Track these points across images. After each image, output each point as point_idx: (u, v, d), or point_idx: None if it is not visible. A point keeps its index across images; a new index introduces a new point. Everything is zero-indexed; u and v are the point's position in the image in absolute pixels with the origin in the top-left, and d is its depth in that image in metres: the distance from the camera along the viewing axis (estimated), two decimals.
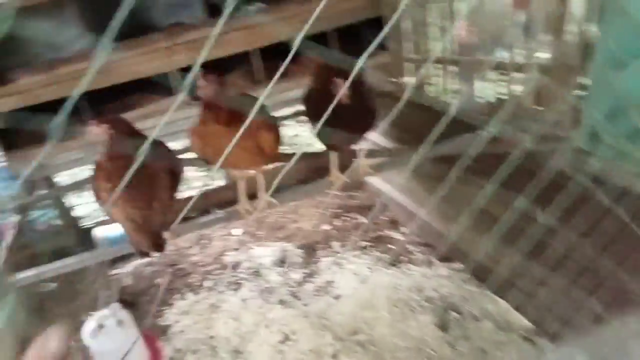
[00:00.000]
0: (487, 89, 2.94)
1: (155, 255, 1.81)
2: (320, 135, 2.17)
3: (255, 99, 2.19)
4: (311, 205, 4.23)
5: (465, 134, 2.50)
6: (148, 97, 3.49)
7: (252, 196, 2.20)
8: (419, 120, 3.53)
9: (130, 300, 3.45)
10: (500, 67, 2.72)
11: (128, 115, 3.25)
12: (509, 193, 2.24)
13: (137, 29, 3.63)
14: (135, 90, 3.46)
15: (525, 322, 2.77)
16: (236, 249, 3.81)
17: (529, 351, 2.57)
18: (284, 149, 2.17)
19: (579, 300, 2.30)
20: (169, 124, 3.24)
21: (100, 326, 2.48)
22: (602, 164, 2.10)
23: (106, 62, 3.13)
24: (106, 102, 3.48)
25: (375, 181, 4.19)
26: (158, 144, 2.03)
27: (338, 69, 2.19)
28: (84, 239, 3.90)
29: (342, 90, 1.91)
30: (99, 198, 1.85)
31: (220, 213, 2.21)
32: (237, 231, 4.00)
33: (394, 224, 3.91)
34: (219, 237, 3.97)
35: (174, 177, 1.97)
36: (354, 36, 3.83)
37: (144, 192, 1.77)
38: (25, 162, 3.17)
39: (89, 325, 2.50)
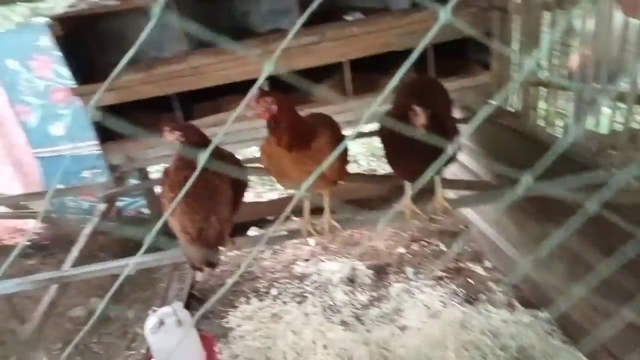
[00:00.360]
0: (601, 119, 2.57)
1: (207, 270, 1.78)
2: (391, 162, 2.02)
3: (326, 117, 2.10)
4: (389, 224, 4.04)
5: (584, 174, 2.18)
6: (238, 101, 3.54)
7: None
8: (519, 150, 3.21)
9: (199, 297, 3.53)
10: (619, 97, 2.35)
11: (216, 118, 3.32)
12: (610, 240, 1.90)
13: (236, 33, 3.71)
14: (228, 92, 3.52)
15: None
16: (307, 260, 3.75)
17: None
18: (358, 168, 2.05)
19: None
20: (243, 131, 3.26)
21: (161, 323, 2.54)
22: None
23: (200, 65, 3.22)
24: (198, 101, 3.59)
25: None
26: (225, 156, 2.00)
27: (420, 93, 2.01)
28: (169, 229, 4.09)
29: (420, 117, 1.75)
30: (161, 205, 1.86)
31: (282, 231, 2.14)
32: (311, 241, 3.93)
33: (477, 256, 3.60)
34: (292, 245, 3.93)
35: (237, 192, 1.93)
36: (455, 52, 3.59)
37: (203, 205, 1.74)
38: (119, 153, 3.36)
39: (151, 320, 2.56)
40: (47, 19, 3.24)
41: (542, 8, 2.78)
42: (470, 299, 3.17)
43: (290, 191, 4.16)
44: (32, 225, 4.23)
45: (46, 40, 3.84)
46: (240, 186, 1.95)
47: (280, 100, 1.73)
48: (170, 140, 1.93)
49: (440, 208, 2.08)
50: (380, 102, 0.65)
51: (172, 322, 2.58)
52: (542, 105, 2.94)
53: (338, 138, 1.89)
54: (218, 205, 1.78)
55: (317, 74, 3.61)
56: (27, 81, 4.08)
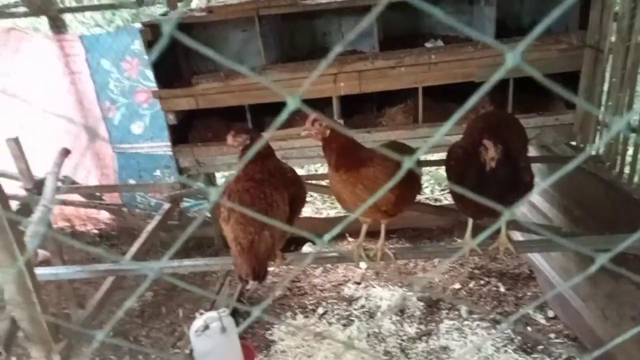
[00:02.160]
0: None
1: (254, 284, 1.78)
2: (455, 196, 1.94)
3: (402, 148, 2.05)
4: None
5: None
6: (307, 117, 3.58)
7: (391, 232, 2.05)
8: (599, 199, 2.99)
9: (247, 305, 3.56)
10: None
11: (285, 133, 3.38)
12: None
13: (315, 52, 3.78)
14: (299, 109, 3.57)
15: None
16: (357, 283, 3.68)
17: None
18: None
19: None
20: (309, 147, 3.28)
21: (206, 327, 2.58)
22: None
23: (275, 80, 3.30)
24: (270, 115, 3.68)
25: None
26: (286, 170, 2.01)
27: (494, 127, 1.93)
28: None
29: (490, 153, 1.67)
30: (218, 212, 1.89)
31: (334, 252, 2.11)
32: (363, 265, 3.86)
33: (540, 303, 3.36)
34: (344, 265, 3.88)
35: (294, 208, 1.93)
36: (539, 88, 3.43)
37: (258, 218, 1.75)
38: (189, 156, 3.49)
39: (197, 323, 2.62)
40: (140, 24, 3.46)
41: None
42: (527, 348, 2.96)
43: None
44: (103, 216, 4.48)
45: (138, 44, 4.12)
46: (297, 202, 1.95)
47: (333, 128, 1.78)
48: (232, 144, 1.96)
49: (503, 250, 1.96)
50: (445, 132, 0.62)
51: (216, 327, 2.62)
52: (630, 152, 2.72)
53: (406, 174, 1.82)
54: (273, 219, 1.78)
55: (392, 98, 3.59)
56: (116, 81, 4.37)
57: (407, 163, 0.55)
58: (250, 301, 3.61)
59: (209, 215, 4.42)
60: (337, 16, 3.75)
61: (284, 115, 0.57)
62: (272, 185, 1.84)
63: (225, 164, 3.47)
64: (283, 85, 3.32)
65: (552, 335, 3.06)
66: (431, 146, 3.11)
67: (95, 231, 4.52)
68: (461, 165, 1.83)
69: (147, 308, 3.64)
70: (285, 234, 1.92)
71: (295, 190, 1.96)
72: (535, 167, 3.33)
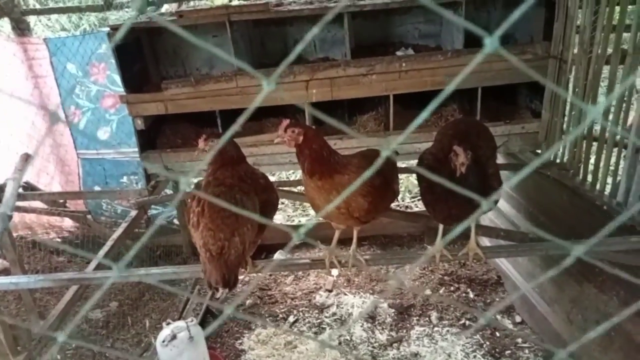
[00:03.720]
0: None
1: (224, 292, 1.74)
2: (427, 203, 1.96)
3: (373, 153, 2.05)
4: (418, 264, 3.92)
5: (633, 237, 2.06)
6: (280, 124, 3.57)
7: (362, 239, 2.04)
8: (563, 204, 3.07)
9: (216, 313, 3.49)
10: None
11: (256, 139, 3.35)
12: None
13: (286, 58, 3.76)
14: (271, 114, 3.56)
15: None
16: (329, 291, 3.66)
17: None
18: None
19: None
20: (280, 154, 3.27)
21: (173, 337, 2.52)
22: None
23: (247, 86, 3.27)
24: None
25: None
26: (257, 176, 1.99)
27: (464, 134, 1.96)
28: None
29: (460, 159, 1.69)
30: (187, 218, 1.85)
31: (305, 259, 2.10)
32: (334, 272, 3.85)
33: (507, 309, 3.42)
34: (315, 273, 3.86)
35: (265, 213, 1.90)
36: (506, 98, 3.51)
37: (228, 223, 1.72)
38: (157, 162, 3.42)
39: (164, 333, 2.55)
40: (108, 28, 3.38)
41: (603, 61, 2.67)
42: (495, 353, 3.00)
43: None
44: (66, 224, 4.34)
45: (106, 49, 4.03)
46: (269, 207, 1.93)
47: (307, 131, 1.78)
48: (203, 148, 1.94)
49: (472, 255, 1.98)
50: (415, 127, 0.62)
51: (184, 337, 2.56)
52: (592, 160, 2.81)
53: (377, 180, 1.82)
54: (243, 226, 1.75)
55: (362, 104, 3.61)
56: (82, 85, 4.26)
57: (384, 153, 0.54)
58: (219, 310, 3.54)
59: (177, 222, 4.34)
60: (309, 23, 3.76)
61: (256, 102, 0.56)
62: (243, 191, 1.81)
63: (194, 171, 3.40)
64: (254, 91, 3.30)
65: (519, 340, 3.11)
66: (401, 142, 3.16)
67: (58, 240, 4.36)
68: (432, 171, 1.84)
69: (112, 319, 3.53)
70: (256, 240, 1.89)
71: (266, 196, 1.94)
72: (502, 174, 3.40)
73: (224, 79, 3.34)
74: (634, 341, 2.28)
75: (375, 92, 3.27)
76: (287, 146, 1.81)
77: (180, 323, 2.61)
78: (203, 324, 3.25)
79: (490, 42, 0.49)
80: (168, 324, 2.60)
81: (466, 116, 3.22)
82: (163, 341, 2.51)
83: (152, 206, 4.10)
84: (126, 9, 5.05)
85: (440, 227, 2.02)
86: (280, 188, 3.23)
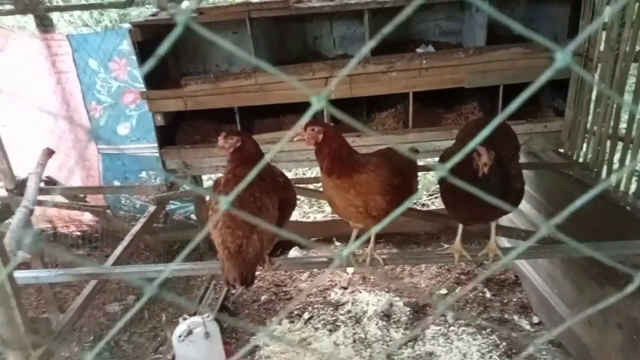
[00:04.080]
0: None
1: (241, 289, 1.75)
2: (446, 202, 1.93)
3: (398, 158, 2.03)
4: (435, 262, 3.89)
5: None
6: (298, 120, 3.56)
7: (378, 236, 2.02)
8: (585, 205, 2.98)
9: (232, 309, 3.52)
10: None
11: (274, 135, 3.36)
12: None
13: (306, 55, 3.76)
14: (290, 111, 3.57)
15: None
16: (344, 288, 3.66)
17: None
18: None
19: None
20: (298, 151, 3.26)
21: (189, 332, 2.54)
22: None
23: (266, 83, 3.28)
24: (259, 117, 3.66)
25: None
26: (276, 174, 1.99)
27: (487, 135, 1.93)
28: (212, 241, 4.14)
29: (483, 159, 1.67)
30: (206, 215, 1.86)
31: (322, 257, 2.09)
32: (349, 269, 3.85)
33: (524, 309, 3.38)
34: (331, 271, 3.86)
35: (283, 212, 1.90)
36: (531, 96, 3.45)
37: (246, 221, 1.72)
38: (176, 158, 3.45)
39: (180, 328, 2.58)
40: (129, 25, 3.41)
41: (631, 59, 2.61)
42: (512, 354, 2.96)
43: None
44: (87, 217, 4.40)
45: (127, 45, 4.07)
46: (287, 206, 1.93)
47: (327, 130, 1.77)
48: (223, 146, 1.93)
49: (492, 256, 1.96)
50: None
51: (200, 332, 2.58)
52: (616, 160, 2.74)
53: (396, 179, 1.81)
54: (262, 224, 1.75)
55: (381, 102, 3.59)
56: (103, 81, 4.32)
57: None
58: (235, 306, 3.57)
59: (194, 217, 4.37)
60: (329, 20, 3.75)
61: (306, 116, 0.56)
62: (262, 189, 1.81)
63: (213, 167, 3.43)
64: (273, 88, 3.30)
65: (537, 342, 3.06)
66: (420, 140, 3.14)
67: (78, 233, 4.44)
68: (454, 170, 1.83)
69: (129, 311, 3.57)
70: (274, 238, 1.89)
71: (285, 194, 1.94)
72: (524, 173, 3.35)
73: (243, 75, 3.35)
74: None
75: (395, 89, 3.24)
76: (306, 144, 1.80)
77: (197, 318, 2.63)
78: (219, 319, 3.27)
79: (562, 57, 0.48)
80: (185, 319, 2.63)
81: (488, 115, 3.18)
82: (179, 336, 2.54)
83: (170, 202, 4.15)
84: (147, 6, 5.09)
85: (460, 226, 2.00)
86: (297, 185, 3.24)
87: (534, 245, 2.31)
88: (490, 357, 2.97)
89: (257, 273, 1.82)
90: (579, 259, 2.78)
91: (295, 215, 4.81)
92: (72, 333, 3.26)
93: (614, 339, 2.54)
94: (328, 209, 4.98)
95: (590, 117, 2.95)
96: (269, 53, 3.58)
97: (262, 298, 3.64)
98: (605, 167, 2.78)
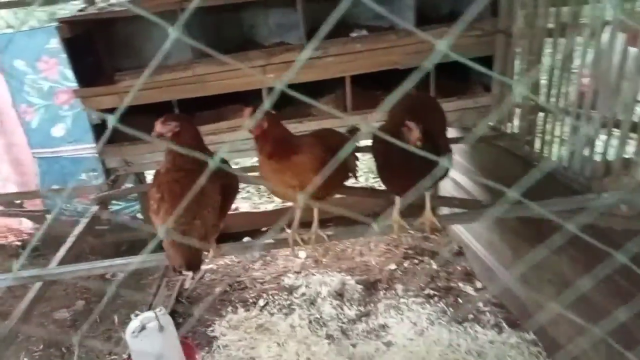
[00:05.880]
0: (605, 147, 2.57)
1: (188, 274, 1.77)
2: (382, 176, 2.03)
3: (333, 135, 2.10)
4: (382, 241, 4.03)
5: (575, 197, 2.18)
6: (239, 110, 3.57)
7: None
8: (516, 174, 3.18)
9: (186, 304, 3.51)
10: (615, 124, 2.36)
11: (216, 126, 3.35)
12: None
13: (242, 44, 3.75)
14: (230, 101, 3.56)
15: None
16: (297, 272, 3.73)
17: None
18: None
19: None
20: (242, 141, 3.28)
21: (142, 327, 2.52)
22: None
23: (203, 74, 3.26)
24: (199, 109, 3.63)
25: (456, 226, 3.89)
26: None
27: (415, 110, 2.03)
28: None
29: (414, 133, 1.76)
30: (147, 205, 1.86)
31: (269, 239, 2.14)
32: (302, 254, 3.92)
33: (468, 276, 3.58)
34: (284, 257, 3.92)
35: (226, 197, 1.93)
36: (458, 73, 3.61)
37: (189, 207, 1.73)
38: (116, 156, 3.38)
39: (133, 324, 2.55)
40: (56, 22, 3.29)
41: (545, 34, 2.80)
42: (459, 319, 3.14)
43: (288, 203, 4.17)
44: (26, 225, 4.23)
45: (56, 43, 3.90)
46: (229, 191, 1.95)
47: (271, 118, 1.81)
48: (161, 131, 1.91)
49: (428, 223, 2.07)
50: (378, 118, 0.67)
51: (153, 327, 2.57)
52: (540, 129, 2.95)
53: (330, 157, 1.88)
54: (204, 209, 1.78)
55: (320, 88, 3.65)
56: (32, 82, 4.13)
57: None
58: (189, 300, 3.56)
59: (140, 216, 4.29)
60: (264, 8, 3.76)
61: (269, 100, 0.60)
62: (202, 175, 1.83)
63: (155, 162, 3.38)
64: (212, 79, 3.29)
65: (481, 305, 3.26)
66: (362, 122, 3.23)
67: (18, 243, 4.25)
68: (386, 146, 1.92)
69: (79, 317, 3.49)
70: (219, 223, 1.92)
71: (227, 180, 1.96)
72: (459, 147, 3.53)
73: (180, 67, 3.32)
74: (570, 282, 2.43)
75: (332, 74, 3.31)
76: (252, 133, 1.83)
77: (149, 313, 2.61)
78: (173, 315, 3.26)
79: (442, 45, 0.56)
80: (137, 315, 2.60)
81: (417, 92, 3.31)
82: (133, 332, 2.51)
83: (114, 202, 4.05)
84: (74, 2, 4.89)
85: (397, 199, 2.10)
86: (245, 174, 3.26)
87: (468, 211, 2.47)
88: (439, 322, 3.13)
89: (203, 261, 1.85)
90: (514, 225, 2.98)
91: (246, 207, 4.83)
92: (19, 342, 3.15)
93: (546, 294, 2.75)
94: (278, 199, 5.02)
95: (518, 91, 3.14)
96: (205, 43, 3.54)
97: (216, 290, 3.65)
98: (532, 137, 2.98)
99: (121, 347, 3.13)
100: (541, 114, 2.92)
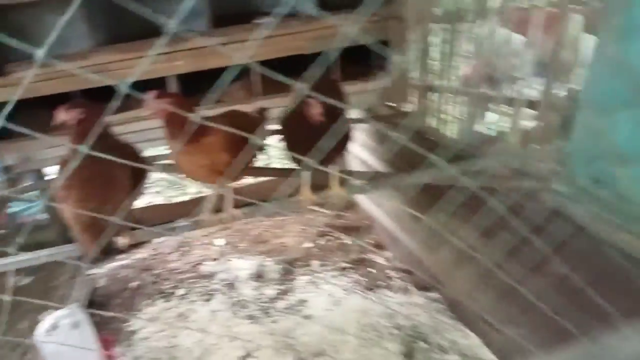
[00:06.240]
0: (493, 122, 2.89)
1: (101, 259, 1.77)
2: (292, 155, 2.15)
3: (241, 117, 2.17)
4: (298, 222, 4.17)
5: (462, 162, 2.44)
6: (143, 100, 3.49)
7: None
8: (413, 149, 3.45)
9: (101, 302, 3.41)
10: (508, 102, 2.67)
11: (123, 117, 3.26)
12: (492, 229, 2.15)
13: (146, 33, 3.65)
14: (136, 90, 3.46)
15: (491, 357, 2.68)
16: (215, 259, 3.76)
17: None
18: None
19: (547, 342, 2.20)
20: (151, 130, 3.24)
21: (55, 326, 2.45)
22: (583, 210, 2.04)
23: (104, 62, 3.15)
24: (104, 100, 3.50)
25: (365, 203, 4.13)
26: (123, 146, 2.01)
27: (316, 91, 2.16)
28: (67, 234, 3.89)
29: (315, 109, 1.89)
30: (54, 195, 1.82)
31: (182, 222, 2.17)
32: (219, 241, 3.96)
33: (378, 247, 3.83)
34: (200, 246, 3.93)
35: (136, 181, 1.94)
36: (360, 57, 3.81)
37: (98, 192, 1.74)
38: (14, 153, 3.18)
39: (44, 324, 2.47)
40: None
41: (435, 20, 3.06)
42: (371, 287, 3.37)
43: (205, 191, 4.16)
44: None
45: None
46: (139, 175, 1.96)
47: (176, 100, 1.84)
48: (65, 118, 1.86)
49: (336, 195, 2.23)
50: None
51: (67, 324, 2.50)
52: (436, 108, 3.23)
53: (237, 136, 1.95)
54: (114, 194, 1.78)
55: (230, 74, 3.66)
56: None
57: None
58: (104, 298, 3.46)
59: (46, 216, 4.05)
60: None
61: (115, 102, 0.63)
62: (111, 161, 1.82)
63: (57, 157, 3.22)
64: (115, 67, 3.20)
65: (390, 273, 3.52)
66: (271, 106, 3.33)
67: None
68: (292, 123, 2.04)
69: None
70: (130, 207, 1.92)
71: (136, 162, 1.96)
72: (364, 128, 3.77)
73: (79, 57, 3.19)
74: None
75: (238, 60, 3.34)
76: (157, 117, 1.85)
77: (61, 312, 2.53)
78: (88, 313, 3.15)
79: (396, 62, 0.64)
80: (49, 313, 2.51)
81: (320, 76, 3.47)
82: (46, 331, 2.43)
83: (14, 203, 3.79)
84: None
85: (304, 175, 2.23)
86: (157, 162, 3.23)
87: (372, 181, 2.66)
88: (354, 292, 3.33)
89: (117, 245, 1.85)
90: (415, 196, 3.25)
91: (160, 200, 4.74)
92: None
93: (445, 256, 3.04)
94: (192, 189, 4.98)
95: (412, 73, 3.42)
96: (107, 32, 3.43)
97: (132, 284, 3.58)
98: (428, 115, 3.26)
99: (32, 355, 2.97)
100: (437, 95, 3.21)
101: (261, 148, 2.23)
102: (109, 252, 1.73)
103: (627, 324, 0.92)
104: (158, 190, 5.01)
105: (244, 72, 3.65)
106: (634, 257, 1.82)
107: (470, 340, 2.76)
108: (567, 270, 1.98)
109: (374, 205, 3.97)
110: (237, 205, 2.22)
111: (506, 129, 2.64)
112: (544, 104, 2.28)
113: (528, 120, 2.52)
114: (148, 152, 4.81)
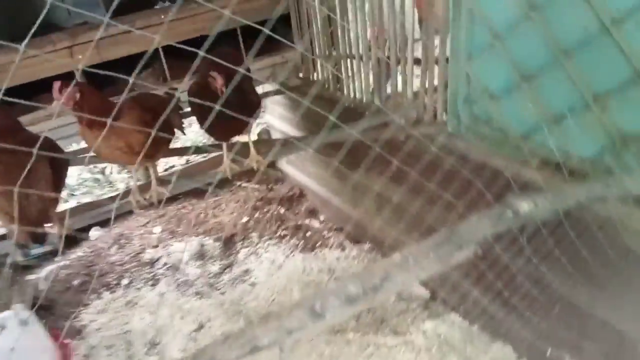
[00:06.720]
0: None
1: (35, 246, 1.85)
2: (207, 131, 2.29)
3: (152, 98, 2.27)
4: (232, 200, 4.31)
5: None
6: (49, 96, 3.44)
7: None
8: (324, 116, 3.66)
9: (46, 304, 3.41)
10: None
11: (33, 117, 3.22)
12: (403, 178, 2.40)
13: (41, 28, 3.58)
14: (42, 90, 3.42)
15: (424, 292, 2.99)
16: (155, 247, 3.84)
17: (424, 315, 2.81)
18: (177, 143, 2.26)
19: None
20: (67, 126, 3.24)
21: (2, 327, 2.47)
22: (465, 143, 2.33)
23: (3, 64, 3.09)
24: (8, 102, 3.42)
25: (295, 174, 4.32)
26: (37, 138, 2.07)
27: (219, 63, 2.30)
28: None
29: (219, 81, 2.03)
30: None
31: (112, 204, 2.27)
32: (157, 229, 4.02)
33: (313, 213, 4.05)
34: (139, 236, 3.97)
35: (57, 171, 2.01)
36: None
37: (20, 184, 1.80)
38: None
39: None
40: None
41: None
42: (309, 248, 3.60)
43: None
44: None
45: None
46: (60, 165, 2.04)
47: (82, 88, 1.94)
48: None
49: (255, 162, 2.40)
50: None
51: (14, 324, 2.53)
52: (343, 75, 3.44)
53: (147, 115, 2.06)
54: (36, 183, 1.86)
55: (137, 63, 3.67)
56: None
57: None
58: (48, 299, 3.45)
59: None
60: None
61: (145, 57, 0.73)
62: (28, 153, 1.89)
63: None
64: (9, 68, 3.13)
65: (326, 233, 3.76)
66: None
67: None
68: (199, 97, 2.18)
69: None
70: (57, 197, 2.01)
71: (53, 151, 2.04)
72: (277, 99, 3.94)
73: None
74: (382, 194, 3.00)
75: (142, 47, 3.37)
76: (66, 107, 1.92)
77: (7, 313, 2.55)
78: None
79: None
80: None
81: (220, 50, 3.59)
82: None
83: None
84: None
85: (224, 145, 2.38)
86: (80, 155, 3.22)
87: (290, 145, 2.84)
88: (293, 255, 3.55)
89: (48, 232, 1.93)
90: (330, 157, 3.47)
91: (88, 199, 4.69)
92: None
93: (369, 208, 3.31)
94: (121, 185, 4.96)
95: (316, 43, 3.60)
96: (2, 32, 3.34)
97: (75, 283, 3.59)
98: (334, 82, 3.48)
99: None
100: (342, 61, 3.41)
101: (176, 127, 2.36)
102: (41, 239, 1.81)
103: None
104: (84, 192, 4.95)
105: (151, 60, 3.69)
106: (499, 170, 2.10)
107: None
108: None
109: (303, 175, 4.18)
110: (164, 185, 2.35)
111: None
112: (424, 59, 2.54)
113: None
114: (68, 149, 4.77)
